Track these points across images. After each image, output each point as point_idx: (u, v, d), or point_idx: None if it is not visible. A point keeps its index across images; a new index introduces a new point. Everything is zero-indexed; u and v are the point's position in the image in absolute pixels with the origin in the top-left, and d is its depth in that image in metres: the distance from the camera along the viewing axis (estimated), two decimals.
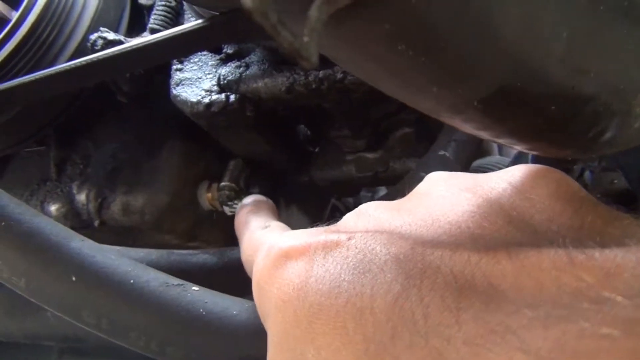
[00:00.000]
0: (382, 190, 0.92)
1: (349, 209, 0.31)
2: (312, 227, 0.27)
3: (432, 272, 0.18)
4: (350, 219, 0.27)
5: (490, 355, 0.14)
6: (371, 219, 0.25)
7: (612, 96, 0.21)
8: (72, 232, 0.29)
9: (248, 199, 0.39)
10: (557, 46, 0.19)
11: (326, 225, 0.27)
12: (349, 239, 0.22)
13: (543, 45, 0.19)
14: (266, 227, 0.33)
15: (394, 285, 0.18)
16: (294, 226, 0.31)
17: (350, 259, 0.21)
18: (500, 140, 0.23)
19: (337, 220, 0.28)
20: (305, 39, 0.14)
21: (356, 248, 0.21)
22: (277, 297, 0.22)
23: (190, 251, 0.61)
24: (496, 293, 0.16)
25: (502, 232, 0.20)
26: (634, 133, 0.24)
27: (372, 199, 0.78)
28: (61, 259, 0.27)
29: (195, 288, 0.28)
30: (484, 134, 0.23)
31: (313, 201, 0.82)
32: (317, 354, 0.19)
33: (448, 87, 0.19)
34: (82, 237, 0.29)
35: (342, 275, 0.20)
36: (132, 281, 0.27)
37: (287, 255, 0.24)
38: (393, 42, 0.16)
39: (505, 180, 0.23)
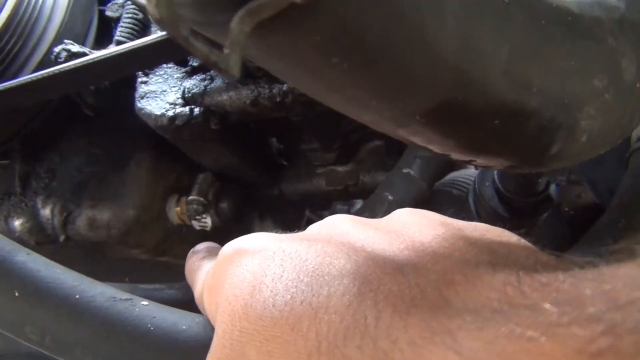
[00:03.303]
0: (358, 204, 0.92)
1: None
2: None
3: (389, 281, 0.19)
4: (315, 228, 0.27)
5: (429, 355, 0.15)
6: (336, 229, 0.25)
7: (556, 110, 0.21)
8: (17, 245, 0.28)
9: (200, 246, 0.36)
10: (497, 60, 0.19)
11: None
12: (310, 245, 0.22)
13: (483, 59, 0.19)
14: None
15: (351, 288, 0.19)
16: None
17: (309, 262, 0.21)
18: (450, 154, 0.23)
19: None
20: (227, 51, 0.13)
21: (317, 253, 0.22)
22: (229, 292, 0.22)
23: (157, 286, 0.60)
24: (445, 302, 0.17)
25: (462, 252, 0.21)
26: (582, 147, 0.24)
27: (347, 212, 0.78)
28: (4, 274, 0.27)
29: (144, 302, 0.27)
30: (431, 148, 0.23)
31: (288, 214, 0.81)
32: (260, 348, 0.19)
33: (388, 100, 0.19)
34: (28, 250, 0.28)
35: (301, 277, 0.20)
36: (77, 296, 0.26)
37: (242, 253, 0.23)
38: (326, 55, 0.16)
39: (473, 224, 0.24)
